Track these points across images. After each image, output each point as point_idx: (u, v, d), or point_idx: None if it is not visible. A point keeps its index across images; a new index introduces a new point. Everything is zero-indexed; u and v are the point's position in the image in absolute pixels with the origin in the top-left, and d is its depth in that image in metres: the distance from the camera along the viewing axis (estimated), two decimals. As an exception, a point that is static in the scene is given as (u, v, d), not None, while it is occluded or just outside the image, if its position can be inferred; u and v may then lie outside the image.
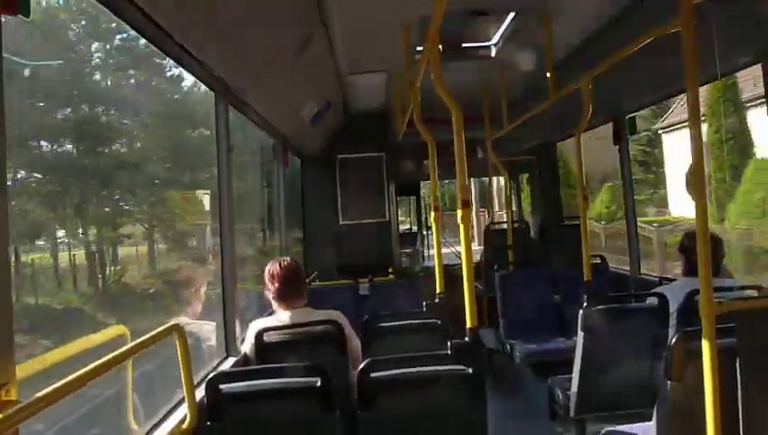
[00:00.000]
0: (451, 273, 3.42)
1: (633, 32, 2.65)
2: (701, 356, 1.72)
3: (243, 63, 3.05)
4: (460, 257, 2.20)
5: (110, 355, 1.49)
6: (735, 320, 1.76)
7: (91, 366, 1.40)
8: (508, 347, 4.72)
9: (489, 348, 5.07)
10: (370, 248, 6.32)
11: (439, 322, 2.84)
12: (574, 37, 3.88)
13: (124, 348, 1.62)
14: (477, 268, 6.19)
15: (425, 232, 11.37)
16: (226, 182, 3.18)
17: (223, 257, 3.17)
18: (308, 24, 3.17)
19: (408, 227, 14.62)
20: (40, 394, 1.23)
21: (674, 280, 3.65)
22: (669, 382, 2.15)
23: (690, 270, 3.15)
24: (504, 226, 6.32)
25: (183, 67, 2.70)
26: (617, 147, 4.99)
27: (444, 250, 3.44)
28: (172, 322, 2.17)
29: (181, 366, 1.96)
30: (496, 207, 15.69)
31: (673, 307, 2.82)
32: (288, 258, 3.03)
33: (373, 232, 6.45)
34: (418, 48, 3.87)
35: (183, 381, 1.97)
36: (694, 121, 1.75)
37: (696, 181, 1.75)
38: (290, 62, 3.45)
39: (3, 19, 1.29)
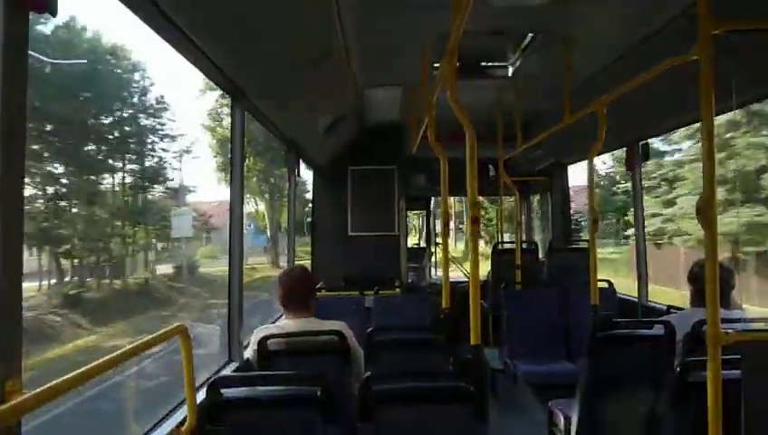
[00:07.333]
0: (457, 290, 3.41)
1: (651, 58, 2.66)
2: (706, 386, 1.71)
3: (260, 71, 3.08)
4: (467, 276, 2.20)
5: (117, 353, 1.50)
6: (742, 351, 1.74)
7: (96, 363, 1.41)
8: (511, 367, 4.68)
9: (492, 367, 5.04)
10: (378, 261, 6.33)
11: (444, 338, 2.83)
12: (592, 61, 3.89)
13: (129, 346, 1.63)
14: (484, 287, 6.17)
15: (433, 248, 11.34)
16: (239, 190, 3.19)
17: (231, 264, 3.18)
18: (328, 37, 3.20)
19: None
20: (43, 387, 1.24)
21: (681, 309, 3.62)
22: (673, 411, 2.13)
23: (698, 299, 3.13)
24: (512, 245, 6.30)
25: (201, 71, 2.72)
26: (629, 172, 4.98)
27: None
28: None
29: (184, 368, 1.97)
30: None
31: (679, 336, 2.80)
32: (299, 267, 3.03)
33: (382, 245, 6.47)
34: (436, 64, 3.89)
35: (185, 382, 1.98)
36: (708, 151, 1.75)
37: (707, 211, 1.74)
38: (307, 72, 3.48)
39: (30, 16, 1.33)
